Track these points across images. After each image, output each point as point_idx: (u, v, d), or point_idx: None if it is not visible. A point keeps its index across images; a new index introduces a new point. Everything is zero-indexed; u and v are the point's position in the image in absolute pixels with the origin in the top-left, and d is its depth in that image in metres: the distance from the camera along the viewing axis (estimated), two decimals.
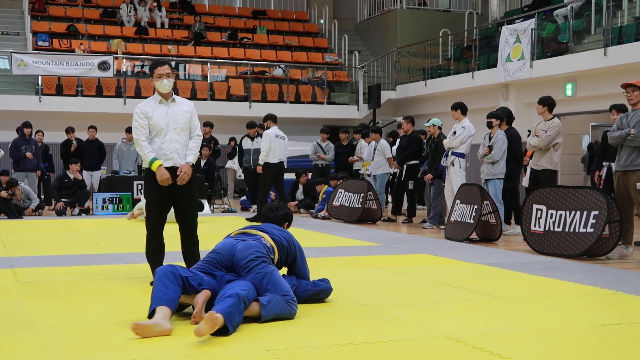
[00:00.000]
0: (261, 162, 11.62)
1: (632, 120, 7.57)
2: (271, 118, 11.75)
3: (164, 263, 5.87)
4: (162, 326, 4.10)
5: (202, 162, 14.51)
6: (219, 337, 3.99)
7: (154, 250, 5.84)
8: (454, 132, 10.43)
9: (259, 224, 5.22)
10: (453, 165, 10.37)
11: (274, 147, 11.39)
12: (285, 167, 11.99)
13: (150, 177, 5.77)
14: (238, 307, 4.11)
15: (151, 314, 4.20)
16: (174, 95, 5.86)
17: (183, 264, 5.66)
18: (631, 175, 7.51)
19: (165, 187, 5.67)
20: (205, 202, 13.50)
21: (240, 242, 4.67)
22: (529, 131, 10.46)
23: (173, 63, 19.46)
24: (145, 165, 5.80)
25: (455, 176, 10.33)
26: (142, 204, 12.08)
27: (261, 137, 14.59)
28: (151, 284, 5.73)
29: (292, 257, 4.97)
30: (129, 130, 14.76)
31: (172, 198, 5.78)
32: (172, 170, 5.71)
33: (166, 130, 5.69)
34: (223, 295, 4.22)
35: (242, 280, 4.45)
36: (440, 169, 10.85)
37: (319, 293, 5.03)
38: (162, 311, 4.18)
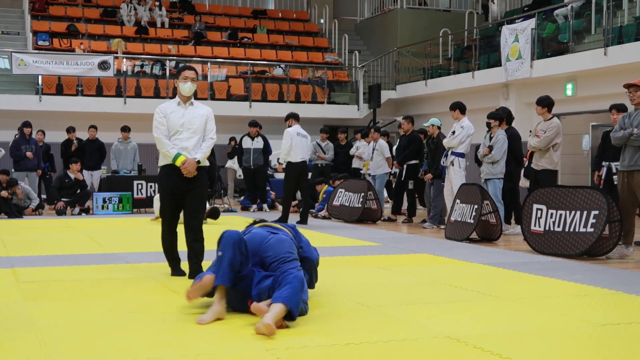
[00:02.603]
0: (282, 161, 11.31)
1: (635, 120, 7.53)
2: (293, 116, 11.50)
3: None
4: (219, 313, 4.37)
5: None
6: (219, 337, 3.99)
7: (168, 249, 6.12)
8: (453, 132, 10.43)
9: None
10: (453, 165, 10.37)
11: (295, 146, 11.09)
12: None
13: (162, 176, 5.99)
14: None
15: (213, 291, 4.47)
16: (192, 100, 6.08)
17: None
18: (636, 175, 7.48)
19: (175, 185, 5.91)
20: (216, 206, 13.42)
21: (272, 235, 4.75)
22: (531, 132, 10.44)
23: (173, 63, 19.62)
24: (163, 162, 5.97)
25: (455, 176, 10.33)
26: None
27: (261, 137, 14.64)
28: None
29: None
30: (124, 129, 14.76)
31: (181, 195, 5.98)
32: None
33: (180, 131, 5.92)
34: (283, 287, 4.32)
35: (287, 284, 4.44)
36: (440, 169, 10.85)
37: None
38: (221, 291, 4.42)
